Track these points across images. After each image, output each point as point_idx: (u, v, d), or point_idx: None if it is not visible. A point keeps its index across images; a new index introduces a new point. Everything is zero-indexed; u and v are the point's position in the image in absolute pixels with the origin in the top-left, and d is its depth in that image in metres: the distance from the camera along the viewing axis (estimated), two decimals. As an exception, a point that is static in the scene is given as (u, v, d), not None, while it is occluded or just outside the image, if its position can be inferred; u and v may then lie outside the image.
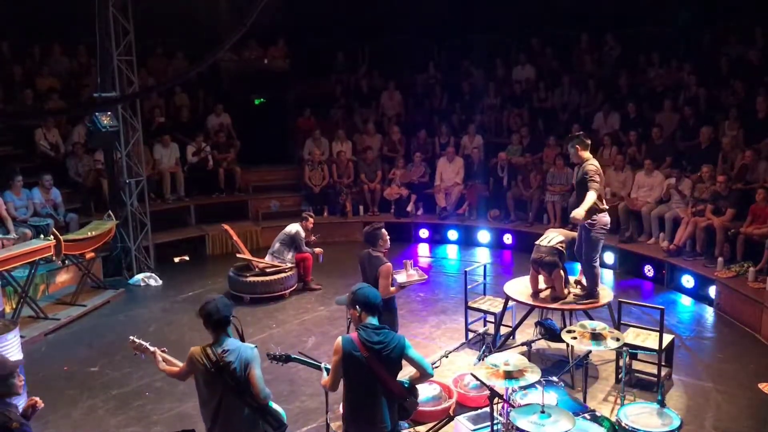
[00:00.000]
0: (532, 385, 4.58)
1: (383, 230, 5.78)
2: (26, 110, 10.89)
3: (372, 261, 5.67)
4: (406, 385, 3.99)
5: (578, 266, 7.01)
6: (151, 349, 4.21)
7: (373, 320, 3.91)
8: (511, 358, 4.51)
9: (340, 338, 3.88)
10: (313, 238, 9.30)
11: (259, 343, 7.43)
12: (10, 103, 11.08)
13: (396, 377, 3.94)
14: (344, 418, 4.02)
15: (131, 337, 4.30)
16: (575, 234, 6.80)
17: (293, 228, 9.09)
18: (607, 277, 9.43)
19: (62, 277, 9.02)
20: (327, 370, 4.30)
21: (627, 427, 4.44)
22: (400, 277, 5.92)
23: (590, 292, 6.46)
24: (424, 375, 4.00)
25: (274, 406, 4.05)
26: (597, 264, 6.40)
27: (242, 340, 4.03)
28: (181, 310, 8.54)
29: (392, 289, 5.66)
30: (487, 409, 4.47)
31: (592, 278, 6.42)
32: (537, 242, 6.62)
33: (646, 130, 10.72)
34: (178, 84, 12.42)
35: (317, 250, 9.23)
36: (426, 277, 6.47)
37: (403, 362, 3.91)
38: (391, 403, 3.89)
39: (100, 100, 9.12)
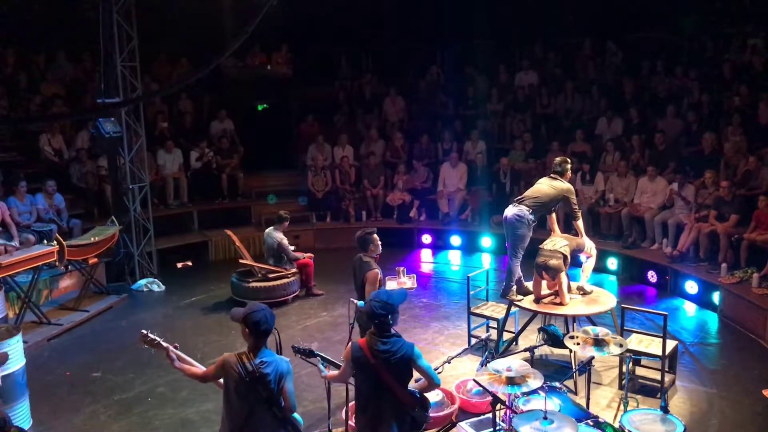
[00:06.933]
0: (534, 391, 4.56)
1: (375, 235, 5.82)
2: (30, 116, 10.92)
3: (361, 266, 5.71)
4: (417, 395, 4.01)
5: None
6: (164, 345, 4.12)
7: (382, 329, 3.96)
8: (514, 364, 4.49)
9: (350, 344, 4.04)
10: (292, 247, 9.13)
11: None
12: (15, 110, 11.13)
13: (404, 385, 3.97)
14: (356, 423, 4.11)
15: (143, 331, 4.20)
16: (580, 240, 6.79)
17: (274, 239, 8.92)
18: (610, 282, 9.42)
19: (65, 283, 9.04)
20: (325, 362, 4.44)
21: (630, 433, 4.43)
22: (391, 285, 5.92)
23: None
24: (430, 384, 4.07)
25: (297, 416, 4.03)
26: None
27: (279, 351, 4.01)
28: (184, 316, 8.55)
29: None
30: (490, 415, 4.46)
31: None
32: (541, 246, 6.61)
33: (649, 136, 10.71)
34: (181, 89, 12.46)
35: (308, 255, 9.12)
36: (416, 285, 6.47)
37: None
38: (401, 413, 3.93)
39: (103, 104, 9.15)
